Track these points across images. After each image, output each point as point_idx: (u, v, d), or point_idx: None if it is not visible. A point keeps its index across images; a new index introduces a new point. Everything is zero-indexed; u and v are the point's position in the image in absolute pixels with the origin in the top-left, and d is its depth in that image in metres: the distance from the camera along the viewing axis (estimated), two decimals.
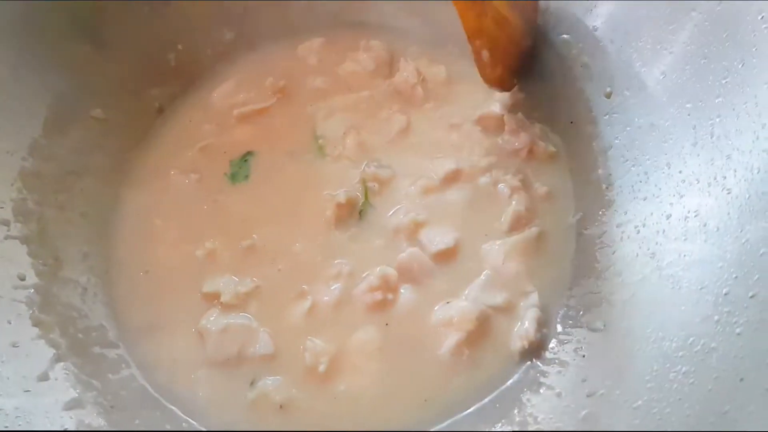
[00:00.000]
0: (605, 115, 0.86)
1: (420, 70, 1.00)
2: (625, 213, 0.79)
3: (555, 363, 0.73)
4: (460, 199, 0.87)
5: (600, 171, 0.85)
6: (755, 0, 0.68)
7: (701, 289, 0.66)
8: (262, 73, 1.04)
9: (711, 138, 0.73)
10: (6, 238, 0.77)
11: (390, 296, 0.80)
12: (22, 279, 0.75)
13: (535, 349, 0.75)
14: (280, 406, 0.75)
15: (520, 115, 0.93)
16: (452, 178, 0.89)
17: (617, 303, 0.74)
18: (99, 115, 0.91)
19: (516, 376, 0.75)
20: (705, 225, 0.70)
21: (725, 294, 0.63)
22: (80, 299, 0.80)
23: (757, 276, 0.60)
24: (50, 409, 0.67)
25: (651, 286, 0.72)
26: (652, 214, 0.76)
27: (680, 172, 0.75)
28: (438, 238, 0.84)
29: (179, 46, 1.03)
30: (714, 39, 0.74)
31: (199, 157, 0.97)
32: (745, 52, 0.70)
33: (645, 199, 0.78)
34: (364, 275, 0.82)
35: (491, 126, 0.93)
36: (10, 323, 0.72)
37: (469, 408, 0.75)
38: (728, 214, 0.67)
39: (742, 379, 0.55)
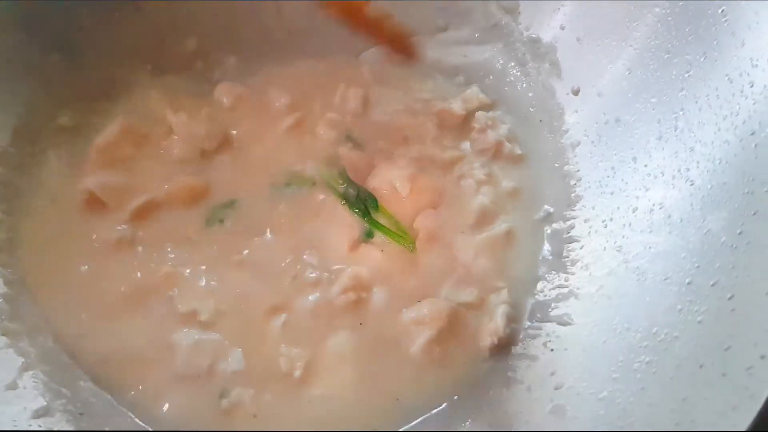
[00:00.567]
0: (573, 112, 0.87)
1: None
2: (593, 208, 0.80)
3: (524, 357, 0.73)
4: None
5: (567, 167, 0.86)
6: None
7: (665, 279, 0.66)
8: None
9: (675, 131, 0.74)
10: None
11: (364, 295, 0.80)
12: None
13: (504, 345, 0.75)
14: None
15: (490, 113, 0.93)
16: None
17: (585, 297, 0.74)
18: (67, 123, 0.90)
19: (486, 372, 0.75)
20: (669, 217, 0.71)
21: (688, 283, 0.63)
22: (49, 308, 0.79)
23: (718, 264, 0.61)
24: (18, 418, 0.66)
25: (618, 279, 0.73)
26: (618, 208, 0.77)
27: (646, 165, 0.76)
28: None
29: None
30: (677, 34, 0.75)
31: None
32: (706, 45, 0.71)
33: (612, 194, 0.79)
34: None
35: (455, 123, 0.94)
36: None
37: (441, 405, 0.74)
38: (691, 205, 0.68)
39: (701, 366, 0.55)
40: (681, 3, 0.74)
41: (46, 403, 0.67)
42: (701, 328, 0.58)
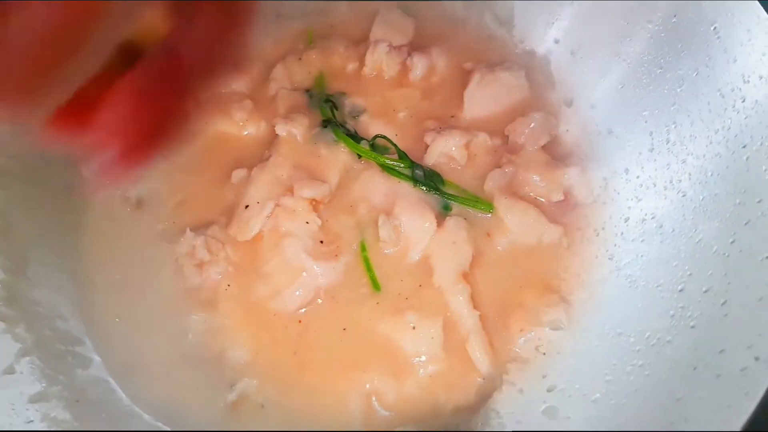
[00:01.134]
0: (567, 124, 0.89)
1: None
2: (585, 217, 0.81)
3: (516, 361, 0.74)
4: None
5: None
6: (708, 12, 0.71)
7: (657, 287, 0.68)
8: None
9: (667, 144, 0.75)
10: None
11: None
12: None
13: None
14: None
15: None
16: None
17: (576, 303, 0.75)
18: None
19: None
20: (661, 226, 0.72)
21: (680, 290, 0.65)
22: (47, 295, 0.78)
23: (710, 272, 0.63)
24: (15, 401, 0.66)
25: (610, 286, 0.74)
26: (610, 217, 0.79)
27: (638, 177, 0.78)
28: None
29: None
30: (669, 50, 0.76)
31: None
32: (698, 61, 0.73)
33: (604, 204, 0.80)
34: None
35: None
36: None
37: None
38: (683, 215, 0.70)
39: (695, 368, 0.56)
40: (674, 20, 0.75)
41: (42, 389, 0.67)
42: (694, 332, 0.60)
